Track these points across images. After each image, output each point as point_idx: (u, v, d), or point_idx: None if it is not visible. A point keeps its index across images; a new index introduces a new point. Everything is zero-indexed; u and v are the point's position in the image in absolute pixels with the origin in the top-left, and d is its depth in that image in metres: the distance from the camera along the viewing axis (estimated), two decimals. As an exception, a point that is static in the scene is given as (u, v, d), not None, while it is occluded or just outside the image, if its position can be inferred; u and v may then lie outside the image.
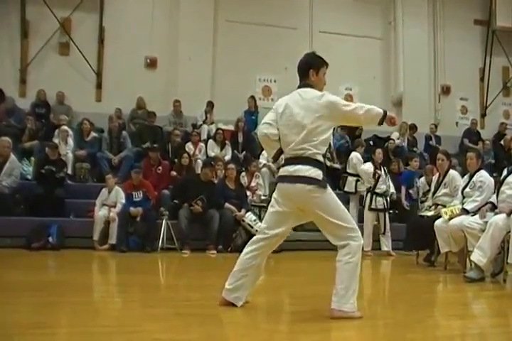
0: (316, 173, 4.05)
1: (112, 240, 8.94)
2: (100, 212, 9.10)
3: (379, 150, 9.84)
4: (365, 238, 9.28)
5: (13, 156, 9.46)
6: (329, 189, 4.12)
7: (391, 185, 9.68)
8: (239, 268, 4.25)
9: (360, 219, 9.76)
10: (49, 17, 12.25)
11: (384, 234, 9.37)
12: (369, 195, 9.49)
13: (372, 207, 9.41)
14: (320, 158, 4.12)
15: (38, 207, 9.14)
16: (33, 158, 10.48)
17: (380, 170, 9.58)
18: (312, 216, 4.15)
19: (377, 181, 9.45)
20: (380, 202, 9.43)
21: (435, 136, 14.02)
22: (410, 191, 10.56)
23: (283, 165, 4.22)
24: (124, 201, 9.19)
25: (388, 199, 9.57)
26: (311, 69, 4.28)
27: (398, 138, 13.16)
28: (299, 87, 4.28)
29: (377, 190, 9.45)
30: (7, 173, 9.21)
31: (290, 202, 4.14)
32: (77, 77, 12.63)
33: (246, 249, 4.27)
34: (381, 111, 4.16)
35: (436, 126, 14.28)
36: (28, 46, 12.50)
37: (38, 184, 9.55)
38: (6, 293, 4.82)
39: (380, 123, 4.18)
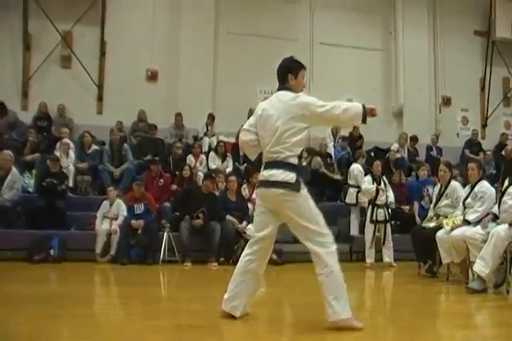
0: (289, 177, 4.10)
1: (113, 251, 8.94)
2: (103, 225, 9.11)
3: (377, 163, 9.79)
4: (367, 250, 9.32)
5: (14, 169, 9.48)
6: (304, 192, 4.16)
7: (391, 195, 9.65)
8: (237, 272, 4.29)
9: (362, 231, 9.77)
10: (51, 30, 12.35)
11: (385, 244, 9.33)
12: (370, 207, 9.46)
13: (373, 218, 9.38)
14: (293, 160, 4.15)
15: (40, 220, 9.13)
16: (34, 171, 10.49)
17: (380, 182, 9.56)
18: (286, 218, 4.22)
19: (377, 193, 9.43)
20: (381, 214, 9.38)
21: (436, 147, 14.03)
22: (422, 203, 10.43)
23: (263, 170, 4.30)
24: (125, 213, 9.19)
25: (389, 210, 9.53)
26: (289, 73, 4.33)
27: (398, 150, 13.16)
28: (278, 90, 4.36)
29: (377, 202, 9.42)
30: (9, 186, 9.23)
31: (268, 204, 4.24)
32: (78, 89, 12.70)
33: (243, 254, 4.35)
34: (360, 106, 4.17)
35: (437, 137, 14.29)
36: (30, 59, 12.58)
37: (39, 197, 9.56)
38: (7, 306, 4.82)
39: (364, 120, 4.21)
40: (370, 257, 9.27)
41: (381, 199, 9.43)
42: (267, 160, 4.24)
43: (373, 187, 9.42)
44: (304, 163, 4.45)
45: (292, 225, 4.19)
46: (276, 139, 4.14)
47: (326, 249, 4.08)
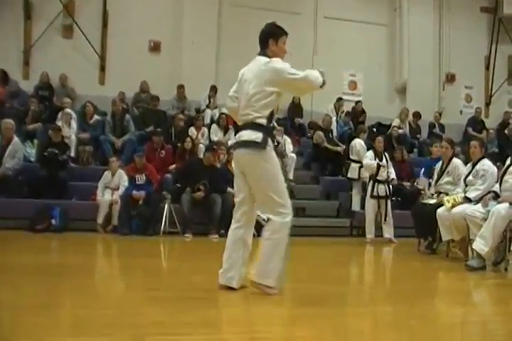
0: (256, 136, 4.17)
1: (114, 222, 8.97)
2: (105, 196, 9.12)
3: (380, 138, 9.78)
4: (368, 225, 9.35)
5: (16, 138, 9.46)
6: (270, 153, 4.21)
7: (392, 171, 9.64)
8: (228, 243, 4.36)
9: (363, 206, 9.80)
10: (52, -1, 12.18)
11: (385, 220, 9.36)
12: (371, 182, 9.47)
13: (374, 194, 9.40)
14: (261, 120, 4.21)
15: (41, 190, 9.14)
16: (36, 141, 10.47)
17: (382, 158, 9.55)
18: (250, 181, 4.26)
19: (378, 169, 9.43)
20: (381, 190, 9.41)
21: (439, 124, 13.99)
22: (430, 180, 10.36)
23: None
24: (126, 184, 9.21)
25: (390, 186, 9.54)
26: (270, 38, 4.37)
27: (400, 126, 13.10)
28: (258, 55, 4.40)
29: (378, 178, 9.43)
30: (10, 155, 9.24)
31: (238, 166, 4.33)
32: (80, 60, 12.61)
33: (231, 223, 4.41)
34: (319, 75, 4.23)
35: (440, 114, 14.24)
36: (31, 28, 12.46)
37: (41, 166, 9.54)
38: (9, 275, 4.85)
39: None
40: (370, 233, 9.32)
41: (382, 175, 9.45)
42: (240, 123, 4.37)
43: (375, 162, 9.43)
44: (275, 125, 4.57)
45: (257, 189, 4.24)
46: (246, 102, 4.24)
47: (282, 219, 4.16)
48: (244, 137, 4.23)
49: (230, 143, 11.10)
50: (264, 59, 4.29)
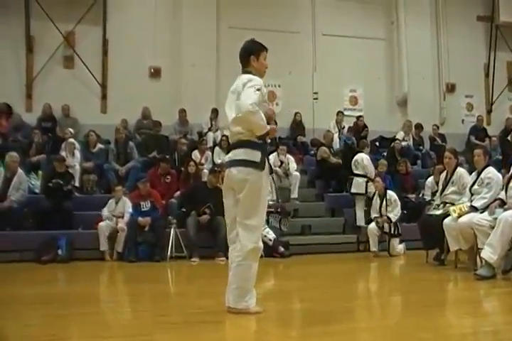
0: (253, 154, 4.17)
1: (119, 248, 8.96)
2: (102, 223, 9.08)
3: (378, 179, 9.64)
4: (371, 239, 9.27)
5: (20, 170, 9.53)
6: (266, 172, 4.22)
7: (398, 210, 9.36)
8: (230, 263, 4.33)
9: (368, 221, 9.75)
10: (53, 31, 12.37)
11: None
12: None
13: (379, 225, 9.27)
14: (254, 138, 4.19)
15: (47, 221, 9.17)
16: (40, 172, 10.52)
17: (385, 196, 9.40)
18: (240, 198, 4.23)
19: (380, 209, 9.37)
20: (386, 227, 9.22)
21: (439, 135, 13.97)
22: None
23: None
24: (131, 210, 9.21)
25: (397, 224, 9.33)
26: (251, 55, 4.36)
27: (403, 139, 13.09)
28: (241, 73, 4.39)
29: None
30: (15, 187, 9.29)
31: (230, 184, 4.31)
32: (82, 89, 12.75)
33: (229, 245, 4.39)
34: (264, 130, 4.16)
35: (438, 127, 14.24)
36: (33, 61, 12.63)
37: (46, 197, 9.58)
38: (17, 307, 4.85)
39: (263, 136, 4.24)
40: (375, 246, 9.23)
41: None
42: (232, 141, 4.37)
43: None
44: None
45: (241, 207, 4.21)
46: (236, 120, 4.23)
47: (249, 245, 4.13)
48: (241, 156, 4.19)
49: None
50: (245, 77, 4.27)
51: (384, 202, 9.31)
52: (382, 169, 9.58)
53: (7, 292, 5.70)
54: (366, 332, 3.85)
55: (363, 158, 10.47)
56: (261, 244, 4.22)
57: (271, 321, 4.10)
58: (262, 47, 4.42)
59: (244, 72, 4.36)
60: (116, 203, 9.35)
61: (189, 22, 13.19)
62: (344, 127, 13.53)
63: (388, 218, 9.17)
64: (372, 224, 9.31)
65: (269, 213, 9.63)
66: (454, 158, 7.81)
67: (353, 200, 10.44)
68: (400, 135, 13.30)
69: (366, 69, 14.54)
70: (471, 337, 3.74)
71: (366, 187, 10.25)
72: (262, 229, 4.36)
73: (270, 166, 4.43)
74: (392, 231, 9.18)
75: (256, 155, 4.15)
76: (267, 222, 9.18)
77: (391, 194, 9.41)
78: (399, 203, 9.39)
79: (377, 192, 9.48)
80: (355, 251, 9.77)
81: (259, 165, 4.15)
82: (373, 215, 9.40)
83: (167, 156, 11.03)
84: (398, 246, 9.27)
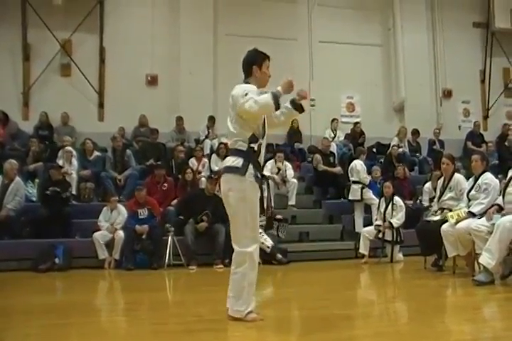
0: (236, 161, 4.21)
1: (116, 256, 8.94)
2: (96, 233, 9.05)
3: (388, 184, 9.50)
4: (362, 241, 9.23)
5: (18, 178, 9.54)
6: (249, 178, 4.19)
7: (402, 215, 9.25)
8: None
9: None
10: (50, 39, 12.39)
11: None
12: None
13: (379, 236, 9.23)
14: (242, 146, 4.22)
15: (44, 229, 9.14)
16: (37, 180, 10.50)
17: (391, 200, 9.34)
18: (226, 205, 4.32)
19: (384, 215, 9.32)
20: (387, 234, 9.17)
21: (439, 140, 13.99)
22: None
23: None
24: (126, 215, 9.22)
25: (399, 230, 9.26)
26: (254, 65, 4.37)
27: (399, 145, 13.09)
28: (243, 83, 4.40)
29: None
30: (12, 194, 9.30)
31: (222, 191, 4.41)
32: (79, 97, 12.75)
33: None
34: (269, 98, 4.09)
35: (439, 131, 14.25)
36: (29, 69, 12.65)
37: (43, 205, 9.56)
38: (16, 316, 4.85)
39: (293, 104, 4.36)
40: (365, 249, 9.16)
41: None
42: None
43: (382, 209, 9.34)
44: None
45: (230, 215, 4.32)
46: (227, 130, 4.32)
47: (245, 250, 4.18)
48: (228, 163, 4.27)
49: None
50: (233, 92, 4.27)
51: (390, 206, 9.29)
52: (377, 175, 9.54)
53: (5, 301, 5.70)
54: (365, 339, 3.85)
55: (356, 164, 10.51)
56: (251, 249, 4.19)
57: (270, 329, 4.09)
58: (264, 55, 4.42)
59: (245, 82, 4.37)
60: (111, 211, 9.34)
61: (186, 29, 13.23)
62: (336, 135, 13.53)
63: (390, 223, 9.13)
64: (369, 228, 9.30)
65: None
66: (452, 163, 7.81)
67: (351, 207, 10.45)
68: (395, 141, 13.31)
69: (363, 75, 14.55)
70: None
71: (361, 194, 10.26)
72: (260, 235, 4.33)
73: (263, 175, 4.44)
74: (395, 239, 9.14)
75: (238, 162, 4.19)
76: (264, 229, 9.13)
77: (397, 199, 9.37)
78: (404, 209, 9.32)
79: (384, 196, 9.44)
80: (354, 257, 9.75)
81: (239, 170, 4.17)
82: (376, 222, 9.35)
83: (160, 163, 11.03)
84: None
